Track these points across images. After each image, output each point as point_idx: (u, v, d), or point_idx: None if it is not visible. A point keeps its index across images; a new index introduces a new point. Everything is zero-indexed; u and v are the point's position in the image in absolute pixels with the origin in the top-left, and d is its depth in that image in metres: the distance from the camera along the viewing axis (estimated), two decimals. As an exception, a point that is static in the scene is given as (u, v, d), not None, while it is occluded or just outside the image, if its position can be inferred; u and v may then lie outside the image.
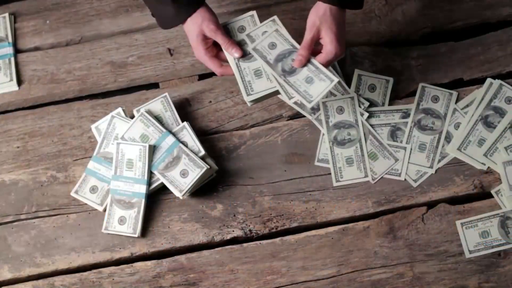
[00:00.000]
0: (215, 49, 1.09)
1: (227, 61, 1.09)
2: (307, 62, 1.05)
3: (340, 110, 1.19)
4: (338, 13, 1.03)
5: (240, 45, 1.07)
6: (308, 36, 1.04)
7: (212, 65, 1.08)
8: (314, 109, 1.21)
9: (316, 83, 1.04)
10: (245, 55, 1.07)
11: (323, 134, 1.18)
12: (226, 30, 1.09)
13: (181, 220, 1.16)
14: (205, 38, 1.06)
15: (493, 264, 1.10)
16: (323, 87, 1.04)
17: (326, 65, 1.05)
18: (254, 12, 1.10)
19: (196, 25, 1.05)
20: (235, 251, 1.13)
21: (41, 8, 1.37)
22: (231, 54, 1.06)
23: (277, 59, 1.06)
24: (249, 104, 1.08)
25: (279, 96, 1.22)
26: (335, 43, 1.03)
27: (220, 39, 1.06)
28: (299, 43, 1.27)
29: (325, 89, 1.04)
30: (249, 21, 1.09)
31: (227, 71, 1.08)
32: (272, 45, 1.07)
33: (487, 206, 1.13)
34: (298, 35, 1.27)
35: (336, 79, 1.03)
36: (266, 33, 1.08)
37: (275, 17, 1.10)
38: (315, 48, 1.06)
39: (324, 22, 1.02)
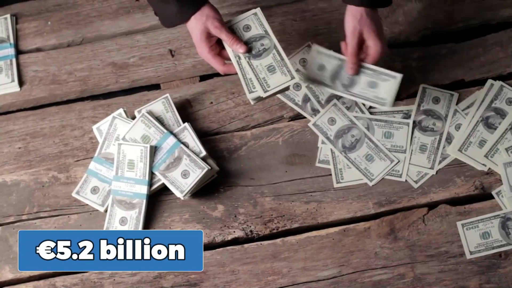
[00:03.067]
0: (218, 48, 1.09)
1: (230, 60, 1.08)
2: (359, 67, 1.10)
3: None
4: (373, 13, 1.05)
5: (247, 44, 1.07)
6: (353, 42, 1.07)
7: (215, 63, 1.08)
8: (315, 111, 1.21)
9: (380, 83, 1.10)
10: (250, 51, 1.07)
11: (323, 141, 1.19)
12: (231, 29, 1.08)
13: (182, 220, 1.16)
14: (209, 36, 1.06)
15: (494, 265, 1.10)
16: (390, 85, 1.10)
17: (375, 63, 1.09)
18: (257, 10, 1.08)
19: (200, 23, 1.05)
20: (236, 252, 1.13)
21: (42, 9, 1.37)
22: (236, 50, 1.06)
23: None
24: (252, 103, 1.08)
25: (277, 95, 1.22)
26: (378, 43, 1.06)
27: (224, 36, 1.05)
28: (298, 43, 1.27)
29: (394, 87, 1.09)
30: (253, 19, 1.08)
31: (230, 69, 1.08)
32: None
33: (487, 207, 1.13)
34: (298, 36, 1.27)
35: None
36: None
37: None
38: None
39: (364, 25, 1.05)
